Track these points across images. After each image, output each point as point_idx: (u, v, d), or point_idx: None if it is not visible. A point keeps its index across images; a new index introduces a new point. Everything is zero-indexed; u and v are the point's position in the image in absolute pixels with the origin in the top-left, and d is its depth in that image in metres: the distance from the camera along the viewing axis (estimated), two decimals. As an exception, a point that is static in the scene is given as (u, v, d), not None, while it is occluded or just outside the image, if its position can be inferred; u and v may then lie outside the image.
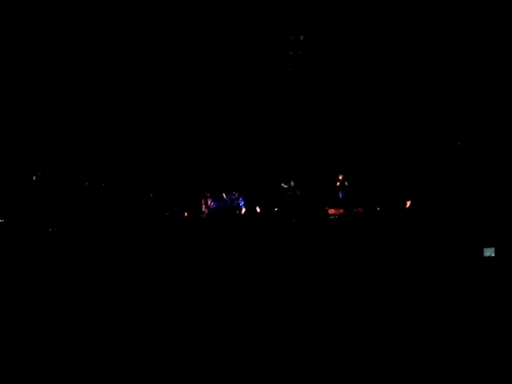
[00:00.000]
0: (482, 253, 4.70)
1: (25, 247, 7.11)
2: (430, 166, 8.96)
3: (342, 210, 9.50)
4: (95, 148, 10.80)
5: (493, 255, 4.64)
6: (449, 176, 8.44)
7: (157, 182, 11.75)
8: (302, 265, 5.79)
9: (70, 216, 10.13)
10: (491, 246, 4.67)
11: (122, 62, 10.15)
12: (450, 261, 4.88)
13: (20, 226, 9.06)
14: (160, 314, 3.70)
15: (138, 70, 10.49)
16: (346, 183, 9.95)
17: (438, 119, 9.18)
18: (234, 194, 10.65)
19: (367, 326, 3.39)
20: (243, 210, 10.45)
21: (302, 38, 9.90)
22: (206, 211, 10.92)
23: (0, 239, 8.11)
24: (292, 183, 10.48)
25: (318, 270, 5.39)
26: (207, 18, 9.91)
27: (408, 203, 8.91)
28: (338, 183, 10.04)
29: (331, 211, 9.61)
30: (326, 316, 3.67)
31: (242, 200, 10.51)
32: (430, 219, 6.82)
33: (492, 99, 8.65)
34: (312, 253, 6.63)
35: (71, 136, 10.66)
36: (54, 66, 10.02)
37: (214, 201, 10.93)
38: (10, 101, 10.02)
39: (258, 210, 10.48)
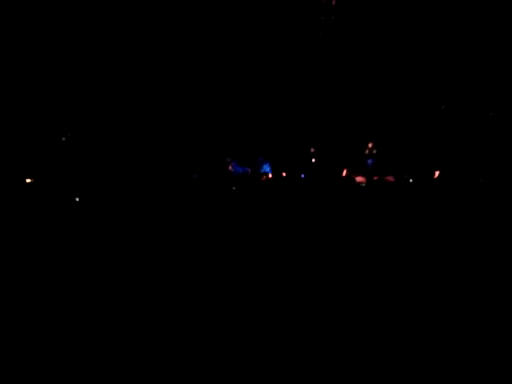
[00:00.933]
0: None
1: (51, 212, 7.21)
2: (465, 135, 8.93)
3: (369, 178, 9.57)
4: (115, 112, 10.80)
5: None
6: (483, 147, 8.44)
7: (179, 145, 11.76)
8: (326, 234, 5.83)
9: (87, 179, 10.22)
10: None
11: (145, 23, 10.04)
12: (481, 241, 4.86)
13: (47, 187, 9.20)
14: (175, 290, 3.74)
15: (161, 31, 10.37)
16: (375, 151, 9.97)
17: (474, 87, 9.09)
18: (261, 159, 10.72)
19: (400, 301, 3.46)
20: (270, 175, 10.54)
21: (334, 2, 9.73)
22: (229, 176, 11.00)
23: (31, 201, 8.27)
24: (313, 149, 10.51)
25: (343, 242, 5.43)
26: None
27: (437, 173, 8.99)
28: (367, 151, 10.07)
29: (358, 179, 9.68)
30: (353, 293, 3.70)
31: (269, 165, 10.58)
32: (462, 192, 6.86)
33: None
34: (337, 221, 6.70)
35: (93, 97, 10.65)
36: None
37: (238, 165, 10.99)
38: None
39: (284, 174, 10.56)
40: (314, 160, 10.49)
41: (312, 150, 10.75)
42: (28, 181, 10.28)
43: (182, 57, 10.72)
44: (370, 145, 10.05)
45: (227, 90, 11.27)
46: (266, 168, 10.60)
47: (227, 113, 11.29)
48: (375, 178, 9.59)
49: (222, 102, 11.36)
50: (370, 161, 9.97)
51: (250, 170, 11.03)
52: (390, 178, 9.23)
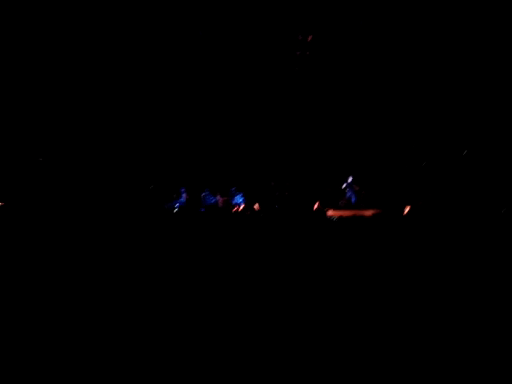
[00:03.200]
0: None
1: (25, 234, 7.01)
2: (436, 170, 9.06)
3: (341, 212, 9.56)
4: (97, 137, 10.71)
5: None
6: (454, 182, 8.55)
7: (155, 174, 11.61)
8: (299, 264, 5.75)
9: (67, 206, 9.97)
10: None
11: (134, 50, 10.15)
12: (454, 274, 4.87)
13: (20, 212, 8.96)
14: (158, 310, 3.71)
15: (144, 61, 10.47)
16: (355, 186, 10.01)
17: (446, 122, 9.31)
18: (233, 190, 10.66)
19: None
20: (241, 207, 10.45)
21: (309, 38, 9.95)
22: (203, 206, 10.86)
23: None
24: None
25: (314, 271, 5.36)
26: (216, 14, 9.94)
27: (407, 208, 9.03)
28: (344, 185, 10.11)
29: (330, 213, 9.66)
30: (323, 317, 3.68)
31: (242, 197, 10.51)
32: (435, 227, 6.88)
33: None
34: (308, 253, 6.63)
35: (73, 120, 10.56)
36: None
37: (211, 196, 10.89)
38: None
39: (257, 207, 10.48)
40: (286, 193, 10.48)
41: (286, 182, 10.76)
42: None
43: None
44: (349, 179, 10.02)
45: (204, 117, 11.23)
46: (239, 199, 10.52)
47: (200, 142, 11.23)
48: (348, 213, 9.59)
49: (197, 130, 11.29)
50: (348, 194, 9.95)
51: (221, 199, 10.93)
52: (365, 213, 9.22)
